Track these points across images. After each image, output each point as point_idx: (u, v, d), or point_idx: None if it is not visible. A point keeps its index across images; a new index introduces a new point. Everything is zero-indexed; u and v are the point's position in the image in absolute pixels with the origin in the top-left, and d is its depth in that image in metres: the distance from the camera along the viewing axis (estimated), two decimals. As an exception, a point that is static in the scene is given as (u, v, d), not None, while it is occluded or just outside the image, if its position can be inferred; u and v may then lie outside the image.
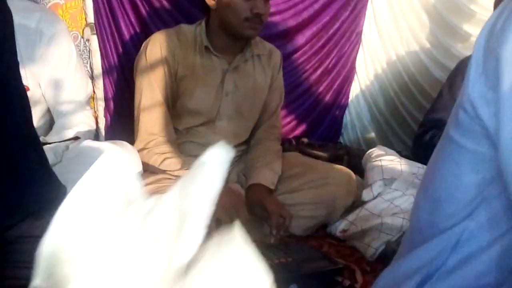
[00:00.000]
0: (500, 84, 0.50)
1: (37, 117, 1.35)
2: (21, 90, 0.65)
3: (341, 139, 2.27)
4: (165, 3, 1.67)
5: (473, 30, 2.04)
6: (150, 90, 1.41)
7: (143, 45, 1.43)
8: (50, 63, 1.29)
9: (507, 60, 0.49)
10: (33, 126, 0.68)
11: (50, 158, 1.25)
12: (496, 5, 1.54)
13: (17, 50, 1.21)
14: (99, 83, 1.67)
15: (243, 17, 1.32)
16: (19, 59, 1.21)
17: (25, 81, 1.24)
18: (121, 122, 1.73)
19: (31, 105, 1.27)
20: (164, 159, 1.38)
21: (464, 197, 0.59)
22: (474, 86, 0.54)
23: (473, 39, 2.04)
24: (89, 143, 1.35)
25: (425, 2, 2.08)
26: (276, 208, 1.32)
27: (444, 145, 0.62)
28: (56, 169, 1.25)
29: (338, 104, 2.20)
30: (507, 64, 0.49)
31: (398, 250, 0.75)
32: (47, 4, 1.48)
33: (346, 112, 2.25)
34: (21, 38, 1.23)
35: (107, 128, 1.72)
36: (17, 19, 1.20)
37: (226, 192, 1.34)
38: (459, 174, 0.59)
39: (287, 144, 1.87)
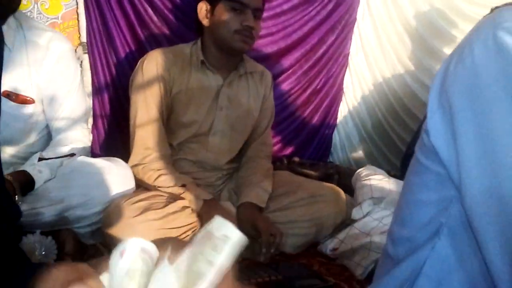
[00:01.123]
0: (456, 131, 0.52)
1: (36, 131, 1.36)
2: None
3: (330, 158, 2.32)
4: (160, 25, 1.72)
5: (453, 53, 2.14)
6: (145, 106, 1.43)
7: (139, 62, 1.46)
8: (55, 80, 1.32)
9: (458, 105, 0.52)
10: None
11: (46, 173, 1.26)
12: None
13: (27, 64, 1.25)
14: (88, 101, 1.68)
15: (233, 30, 1.38)
16: (27, 73, 1.25)
17: (31, 94, 1.27)
18: (109, 140, 1.74)
19: (33, 118, 1.30)
20: (159, 176, 1.39)
21: (425, 215, 0.60)
22: (431, 118, 0.56)
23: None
24: (83, 159, 1.37)
25: (408, 26, 2.16)
26: (267, 226, 1.33)
27: (412, 164, 0.64)
28: (50, 184, 1.27)
29: (327, 124, 2.25)
30: (459, 111, 0.52)
31: (377, 267, 0.76)
32: (45, 23, 1.50)
33: (335, 132, 2.30)
34: (31, 53, 1.27)
35: (94, 145, 1.73)
36: (29, 35, 1.26)
37: (219, 211, 1.35)
38: (421, 192, 0.61)
39: (278, 163, 1.90)
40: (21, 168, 1.25)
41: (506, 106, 0.47)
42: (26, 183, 1.22)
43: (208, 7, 1.42)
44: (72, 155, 1.36)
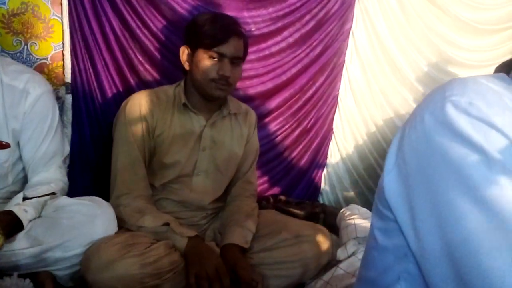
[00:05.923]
0: (410, 191, 0.54)
1: (13, 174, 1.35)
2: None
3: (320, 198, 2.30)
4: (147, 66, 1.74)
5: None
6: (128, 147, 1.44)
7: (122, 104, 1.48)
8: (33, 122, 1.32)
9: (411, 166, 0.54)
10: None
11: (31, 213, 1.24)
12: None
13: (2, 108, 1.25)
14: (67, 141, 1.63)
15: (209, 78, 1.40)
16: (3, 117, 1.25)
17: (7, 139, 1.27)
18: (86, 179, 1.71)
19: (10, 161, 1.29)
20: (142, 216, 1.37)
21: (386, 260, 0.61)
22: (387, 175, 0.58)
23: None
24: (66, 199, 1.35)
25: (395, 69, 2.21)
26: (247, 273, 1.30)
27: (373, 207, 0.66)
28: (33, 224, 1.24)
29: (316, 164, 2.24)
30: (412, 173, 0.54)
31: None
32: (33, 64, 1.53)
33: (325, 171, 2.29)
34: (8, 98, 1.27)
35: (71, 184, 1.62)
36: (7, 80, 1.27)
37: (205, 249, 1.33)
38: (382, 237, 0.61)
39: (264, 202, 1.88)
40: (6, 208, 1.23)
41: (448, 174, 0.49)
42: (12, 223, 1.19)
43: (189, 51, 1.45)
44: (53, 193, 1.35)
